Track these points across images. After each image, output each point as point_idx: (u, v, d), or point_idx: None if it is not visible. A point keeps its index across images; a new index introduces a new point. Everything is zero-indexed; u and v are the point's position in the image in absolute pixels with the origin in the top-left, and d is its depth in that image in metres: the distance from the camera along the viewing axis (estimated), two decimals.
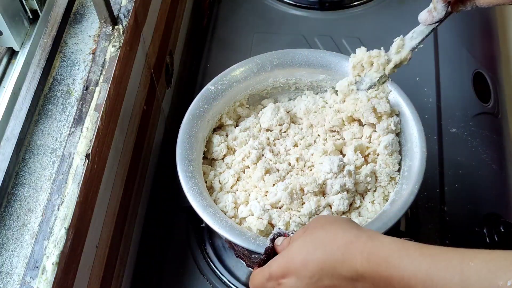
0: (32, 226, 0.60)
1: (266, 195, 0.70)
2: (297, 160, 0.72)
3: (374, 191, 0.71)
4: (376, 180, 0.71)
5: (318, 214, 0.68)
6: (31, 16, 0.73)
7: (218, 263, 0.81)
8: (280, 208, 0.69)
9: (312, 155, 0.73)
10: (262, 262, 0.60)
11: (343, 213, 0.69)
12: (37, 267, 0.57)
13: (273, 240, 0.61)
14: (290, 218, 0.68)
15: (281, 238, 0.60)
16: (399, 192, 0.68)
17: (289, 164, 0.73)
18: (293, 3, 1.08)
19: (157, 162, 0.92)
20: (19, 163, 0.64)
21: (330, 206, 0.69)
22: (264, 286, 0.57)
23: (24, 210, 0.61)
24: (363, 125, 0.75)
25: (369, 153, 0.73)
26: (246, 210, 0.68)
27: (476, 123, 0.93)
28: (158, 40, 0.88)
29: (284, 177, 0.71)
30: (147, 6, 0.83)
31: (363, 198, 0.71)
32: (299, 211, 0.68)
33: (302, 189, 0.69)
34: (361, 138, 0.74)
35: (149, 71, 0.85)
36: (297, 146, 0.74)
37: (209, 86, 0.75)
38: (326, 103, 0.78)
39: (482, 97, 0.97)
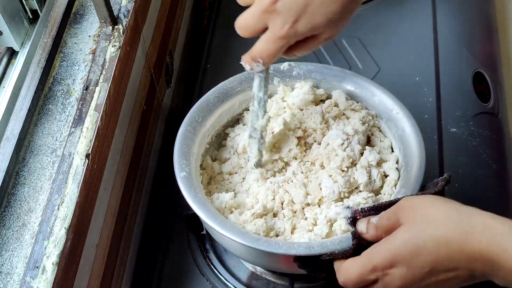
0: (32, 226, 0.60)
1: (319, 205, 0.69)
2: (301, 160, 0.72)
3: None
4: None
5: (374, 180, 0.69)
6: (31, 16, 0.73)
7: (218, 263, 0.81)
8: (343, 198, 0.69)
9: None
10: (353, 252, 0.58)
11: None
12: (37, 267, 0.56)
13: (353, 222, 0.59)
14: (362, 198, 0.67)
15: (360, 223, 0.59)
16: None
17: (301, 172, 0.72)
18: None
19: (157, 162, 0.92)
20: (19, 163, 0.64)
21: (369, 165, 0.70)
22: (365, 277, 0.55)
23: (24, 210, 0.61)
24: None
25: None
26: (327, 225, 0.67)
27: (476, 123, 0.92)
28: (158, 40, 0.88)
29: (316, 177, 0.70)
30: (147, 6, 0.83)
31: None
32: (359, 187, 0.69)
33: (342, 170, 0.69)
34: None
35: (149, 71, 0.85)
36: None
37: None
38: (285, 101, 0.79)
39: (482, 96, 0.97)
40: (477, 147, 0.90)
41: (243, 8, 1.08)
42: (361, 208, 0.61)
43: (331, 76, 0.78)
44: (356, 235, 0.59)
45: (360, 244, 0.58)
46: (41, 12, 0.73)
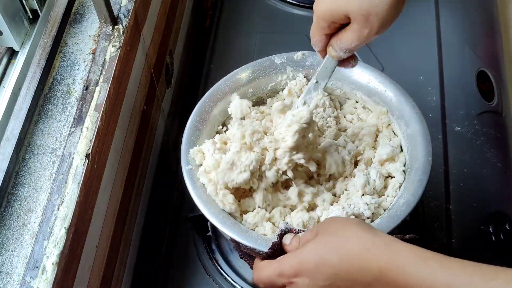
0: (32, 226, 0.60)
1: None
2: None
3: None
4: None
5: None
6: (31, 16, 0.73)
7: (224, 264, 0.81)
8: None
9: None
10: (267, 256, 0.60)
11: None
12: (37, 267, 0.56)
13: (280, 235, 0.60)
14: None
15: (288, 235, 0.60)
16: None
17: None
18: (296, 3, 1.08)
19: (157, 162, 0.92)
20: (19, 163, 0.64)
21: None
22: (272, 280, 0.57)
23: (24, 210, 0.61)
24: None
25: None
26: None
27: (480, 122, 0.92)
28: (158, 40, 0.88)
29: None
30: (147, 6, 0.83)
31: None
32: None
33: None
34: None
35: (149, 71, 0.85)
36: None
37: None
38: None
39: (486, 95, 0.96)
40: (481, 146, 0.89)
41: (246, 9, 1.09)
42: (299, 229, 0.61)
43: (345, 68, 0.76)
44: (275, 246, 0.60)
45: (280, 253, 0.60)
46: (41, 12, 0.73)
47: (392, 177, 0.70)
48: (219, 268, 0.81)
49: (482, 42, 1.05)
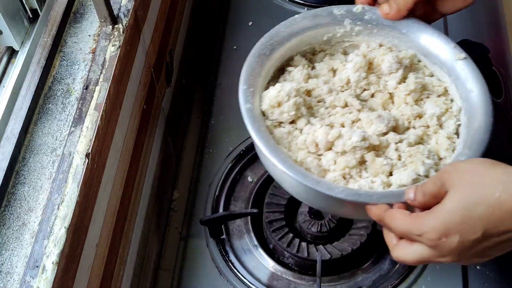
0: (32, 226, 0.60)
1: None
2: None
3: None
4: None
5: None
6: (31, 15, 0.73)
7: (238, 264, 0.81)
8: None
9: None
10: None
11: None
12: (37, 267, 0.56)
13: None
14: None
15: (408, 189, 0.58)
16: None
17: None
18: (302, 2, 1.07)
19: (157, 162, 0.92)
20: (19, 162, 0.64)
21: None
22: (409, 235, 0.54)
23: (24, 209, 0.61)
24: None
25: None
26: None
27: None
28: (158, 39, 0.88)
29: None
30: (147, 6, 0.83)
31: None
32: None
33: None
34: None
35: (149, 70, 0.85)
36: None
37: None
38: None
39: (493, 92, 0.95)
40: (490, 143, 0.88)
41: (251, 8, 1.08)
42: None
43: (403, 26, 0.73)
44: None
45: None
46: (41, 11, 0.73)
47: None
48: (233, 268, 0.80)
49: (488, 38, 1.04)
